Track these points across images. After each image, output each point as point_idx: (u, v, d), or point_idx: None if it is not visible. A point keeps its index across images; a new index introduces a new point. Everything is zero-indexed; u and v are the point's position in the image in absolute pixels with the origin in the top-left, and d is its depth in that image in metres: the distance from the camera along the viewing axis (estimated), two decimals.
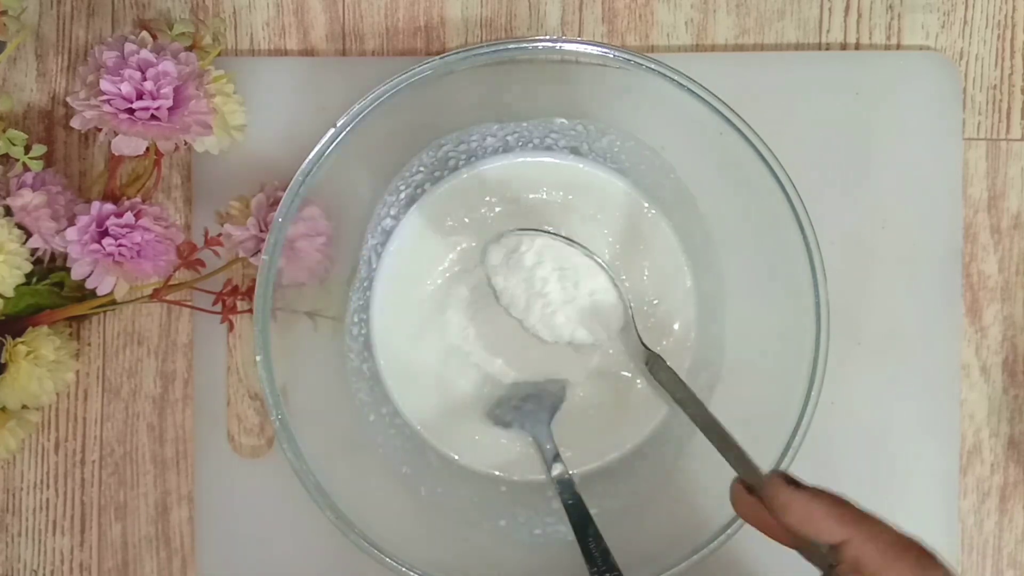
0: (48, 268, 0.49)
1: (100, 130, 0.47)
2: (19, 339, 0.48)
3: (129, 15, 0.54)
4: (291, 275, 0.46)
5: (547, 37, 0.44)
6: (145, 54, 0.46)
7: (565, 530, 0.48)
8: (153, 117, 0.46)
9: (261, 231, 0.48)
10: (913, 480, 0.52)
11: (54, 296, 0.50)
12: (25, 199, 0.47)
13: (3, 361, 0.48)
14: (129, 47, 0.46)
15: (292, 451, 0.44)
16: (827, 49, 0.54)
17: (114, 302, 0.49)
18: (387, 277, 0.51)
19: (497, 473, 0.51)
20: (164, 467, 0.53)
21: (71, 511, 0.54)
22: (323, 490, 0.44)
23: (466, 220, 0.51)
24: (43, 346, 0.48)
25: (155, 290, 0.50)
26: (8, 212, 0.48)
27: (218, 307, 0.51)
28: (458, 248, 0.51)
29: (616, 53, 0.44)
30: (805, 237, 0.44)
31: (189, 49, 0.49)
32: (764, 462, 0.45)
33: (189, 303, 0.52)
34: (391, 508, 0.49)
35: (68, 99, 0.47)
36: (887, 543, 0.34)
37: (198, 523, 0.52)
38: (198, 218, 0.53)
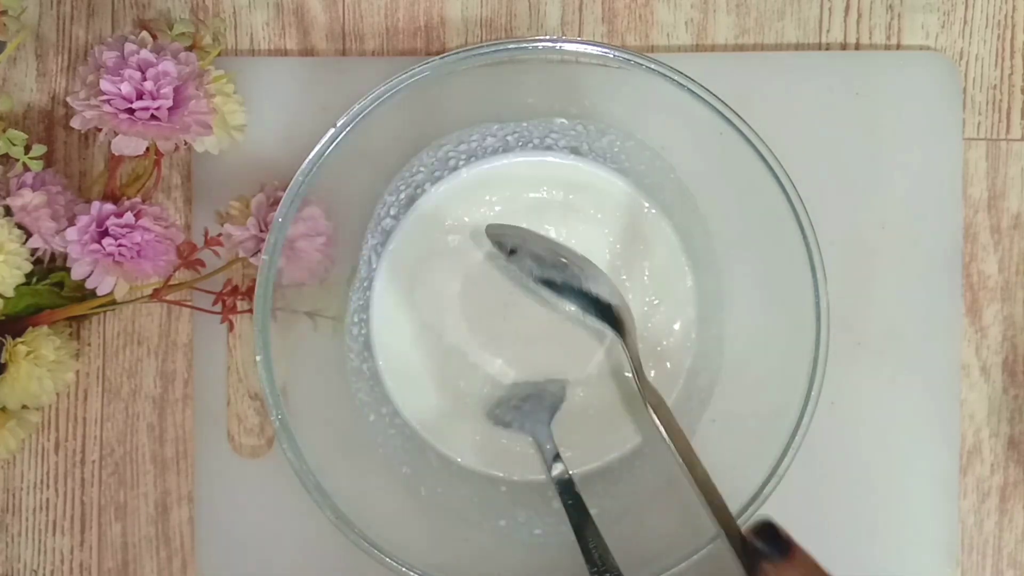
0: (48, 268, 0.49)
1: (100, 130, 0.47)
2: (19, 339, 0.48)
3: (129, 15, 0.54)
4: (291, 275, 0.46)
5: (547, 37, 0.44)
6: (145, 54, 0.46)
7: (565, 530, 0.48)
8: (153, 117, 0.46)
9: (261, 231, 0.48)
10: (913, 480, 0.52)
11: (54, 296, 0.50)
12: (25, 199, 0.47)
13: (3, 361, 0.48)
14: (129, 47, 0.46)
15: (292, 451, 0.44)
16: (827, 49, 0.54)
17: (114, 302, 0.49)
18: (387, 277, 0.51)
19: (497, 473, 0.51)
20: (164, 467, 0.53)
21: (71, 511, 0.54)
22: (323, 490, 0.44)
23: (466, 220, 0.51)
24: (43, 346, 0.48)
25: (155, 290, 0.50)
26: (8, 212, 0.48)
27: (218, 307, 0.51)
28: (458, 248, 0.51)
29: (616, 53, 0.44)
30: (805, 237, 0.44)
31: (189, 49, 0.49)
32: (764, 462, 0.45)
33: (189, 303, 0.52)
34: (391, 508, 0.49)
35: (68, 99, 0.47)
36: None
37: (198, 523, 0.52)
38: (198, 218, 0.53)
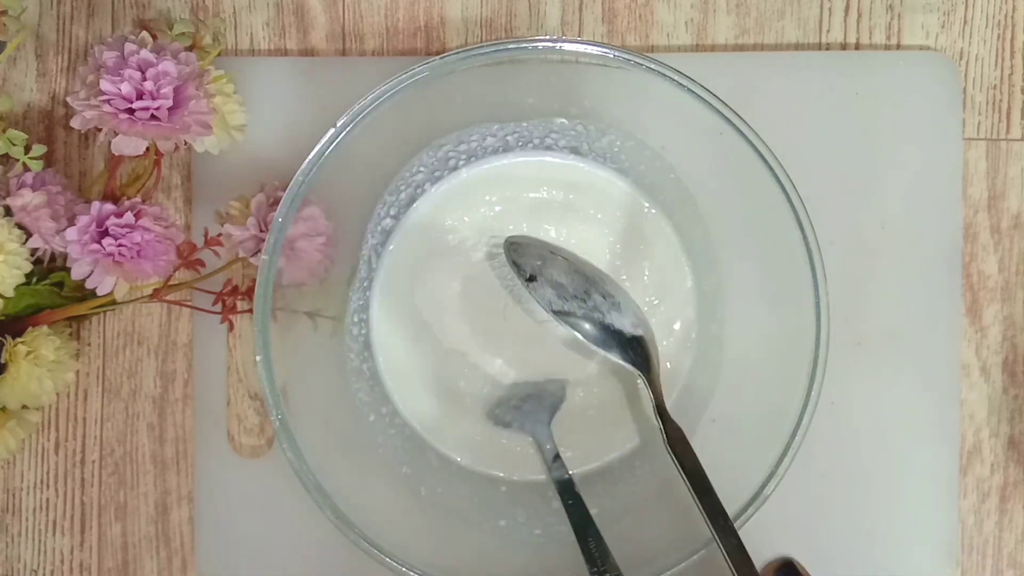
0: (48, 268, 0.49)
1: (100, 130, 0.47)
2: (19, 339, 0.48)
3: (129, 15, 0.54)
4: (291, 275, 0.46)
5: (547, 37, 0.44)
6: (145, 54, 0.46)
7: (565, 530, 0.48)
8: (153, 117, 0.46)
9: (261, 231, 0.48)
10: (913, 480, 0.52)
11: (54, 296, 0.50)
12: (25, 199, 0.47)
13: (3, 361, 0.48)
14: (129, 47, 0.46)
15: (292, 451, 0.44)
16: (827, 49, 0.54)
17: (114, 302, 0.49)
18: (387, 277, 0.51)
19: (497, 473, 0.51)
20: (164, 467, 0.53)
21: (71, 511, 0.54)
22: (323, 490, 0.44)
23: (466, 220, 0.51)
24: (43, 346, 0.48)
25: (155, 290, 0.50)
26: (8, 212, 0.48)
27: (218, 307, 0.51)
28: (458, 248, 0.51)
29: (616, 53, 0.44)
30: (805, 237, 0.44)
31: (189, 49, 0.49)
32: (764, 462, 0.45)
33: (189, 303, 0.52)
34: (391, 508, 0.49)
35: (68, 99, 0.47)
36: None
37: (198, 523, 0.52)
38: (198, 218, 0.53)
